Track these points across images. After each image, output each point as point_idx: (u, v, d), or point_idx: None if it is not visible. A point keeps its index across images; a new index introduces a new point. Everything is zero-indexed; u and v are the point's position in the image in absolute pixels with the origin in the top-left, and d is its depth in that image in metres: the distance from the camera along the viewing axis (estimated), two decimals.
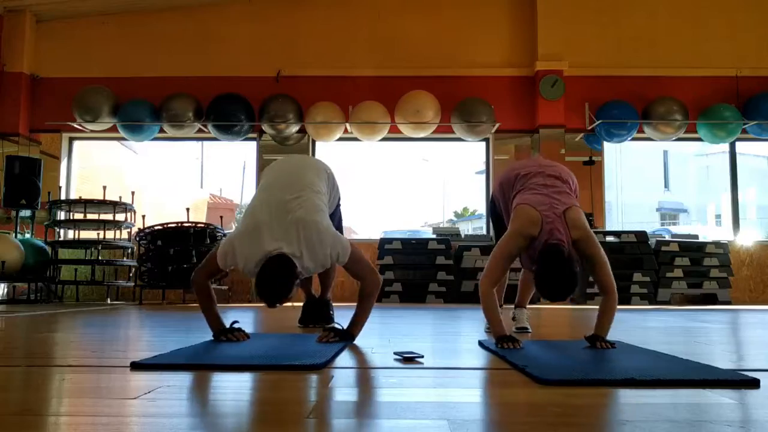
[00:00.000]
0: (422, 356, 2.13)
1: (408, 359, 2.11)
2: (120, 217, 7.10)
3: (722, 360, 2.22)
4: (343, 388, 1.65)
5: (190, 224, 6.85)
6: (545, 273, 2.39)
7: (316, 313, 3.59)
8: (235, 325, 2.66)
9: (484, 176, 8.44)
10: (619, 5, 8.19)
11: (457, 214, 28.71)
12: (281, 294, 2.38)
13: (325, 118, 7.68)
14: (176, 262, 6.66)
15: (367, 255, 7.77)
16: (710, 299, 7.42)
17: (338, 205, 3.28)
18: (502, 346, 2.33)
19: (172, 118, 7.62)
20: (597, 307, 2.61)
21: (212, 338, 2.61)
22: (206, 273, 2.67)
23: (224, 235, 7.10)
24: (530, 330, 3.22)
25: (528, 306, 3.38)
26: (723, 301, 7.31)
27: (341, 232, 3.22)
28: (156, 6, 8.14)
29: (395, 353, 2.22)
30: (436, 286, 7.37)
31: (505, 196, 2.90)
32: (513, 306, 3.37)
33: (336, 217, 3.15)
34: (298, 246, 2.47)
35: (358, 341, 2.70)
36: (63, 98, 7.86)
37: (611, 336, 2.56)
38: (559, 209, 2.53)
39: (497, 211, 3.07)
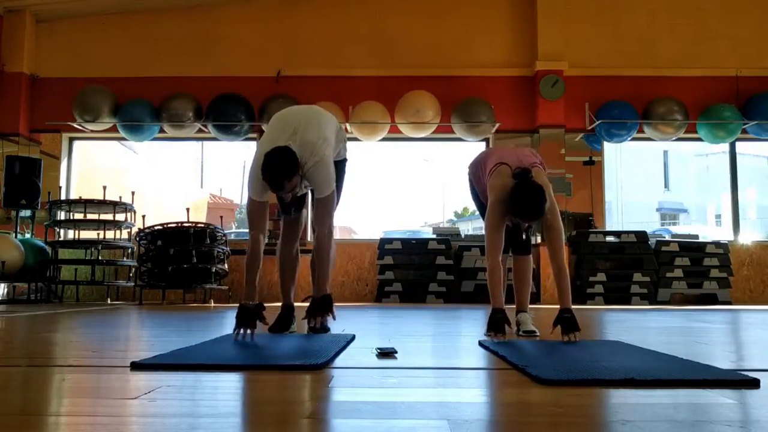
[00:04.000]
0: (396, 351, 2.27)
1: (384, 354, 2.23)
2: (120, 217, 7.10)
3: (722, 360, 2.22)
4: (343, 388, 1.65)
5: (190, 224, 6.85)
6: (518, 190, 2.70)
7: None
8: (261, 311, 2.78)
9: None
10: (619, 5, 8.19)
11: (457, 214, 28.73)
12: (283, 172, 2.66)
13: None
14: (176, 262, 6.65)
15: (367, 255, 7.82)
16: (710, 299, 7.42)
17: (344, 161, 3.29)
18: (488, 334, 2.65)
19: (172, 118, 7.62)
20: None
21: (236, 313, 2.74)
22: (253, 223, 2.87)
23: (224, 235, 7.10)
24: (539, 333, 3.17)
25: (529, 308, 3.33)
26: (723, 301, 7.31)
27: (339, 193, 3.22)
28: (156, 6, 8.14)
29: (377, 348, 2.33)
30: (436, 286, 7.37)
31: (479, 180, 3.16)
32: (515, 311, 3.30)
33: (341, 177, 3.20)
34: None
35: (357, 341, 2.70)
36: (63, 98, 7.85)
37: (613, 335, 2.55)
38: (524, 162, 2.87)
39: (477, 197, 3.32)
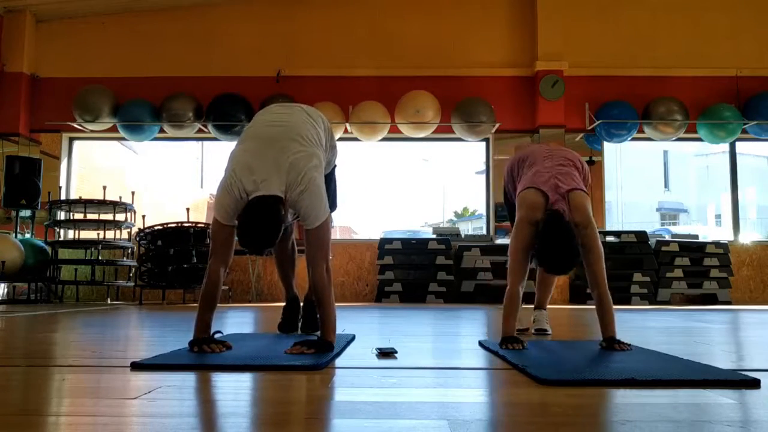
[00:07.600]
0: (396, 351, 2.27)
1: (384, 354, 2.23)
2: (120, 217, 7.10)
3: (722, 360, 2.22)
4: (343, 388, 1.65)
5: (190, 224, 6.85)
6: (547, 241, 2.38)
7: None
8: (217, 336, 2.37)
9: (484, 176, 8.43)
10: (619, 5, 8.19)
11: (457, 214, 28.74)
12: (266, 241, 2.21)
13: None
14: (176, 262, 6.65)
15: (367, 255, 7.82)
16: (710, 299, 7.42)
17: (333, 170, 2.92)
18: (505, 347, 2.34)
19: (172, 118, 7.62)
20: (595, 306, 2.60)
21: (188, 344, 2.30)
22: (215, 251, 2.38)
23: None
24: (550, 332, 3.15)
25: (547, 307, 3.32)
26: (723, 301, 7.31)
27: (335, 204, 2.91)
28: (156, 6, 8.14)
29: (377, 348, 2.32)
30: (436, 286, 7.37)
31: (514, 183, 2.90)
32: (533, 307, 3.28)
33: (331, 186, 2.80)
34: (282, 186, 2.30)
35: (357, 341, 2.70)
36: (63, 98, 7.85)
37: None
38: (562, 189, 2.56)
39: (511, 203, 3.02)
